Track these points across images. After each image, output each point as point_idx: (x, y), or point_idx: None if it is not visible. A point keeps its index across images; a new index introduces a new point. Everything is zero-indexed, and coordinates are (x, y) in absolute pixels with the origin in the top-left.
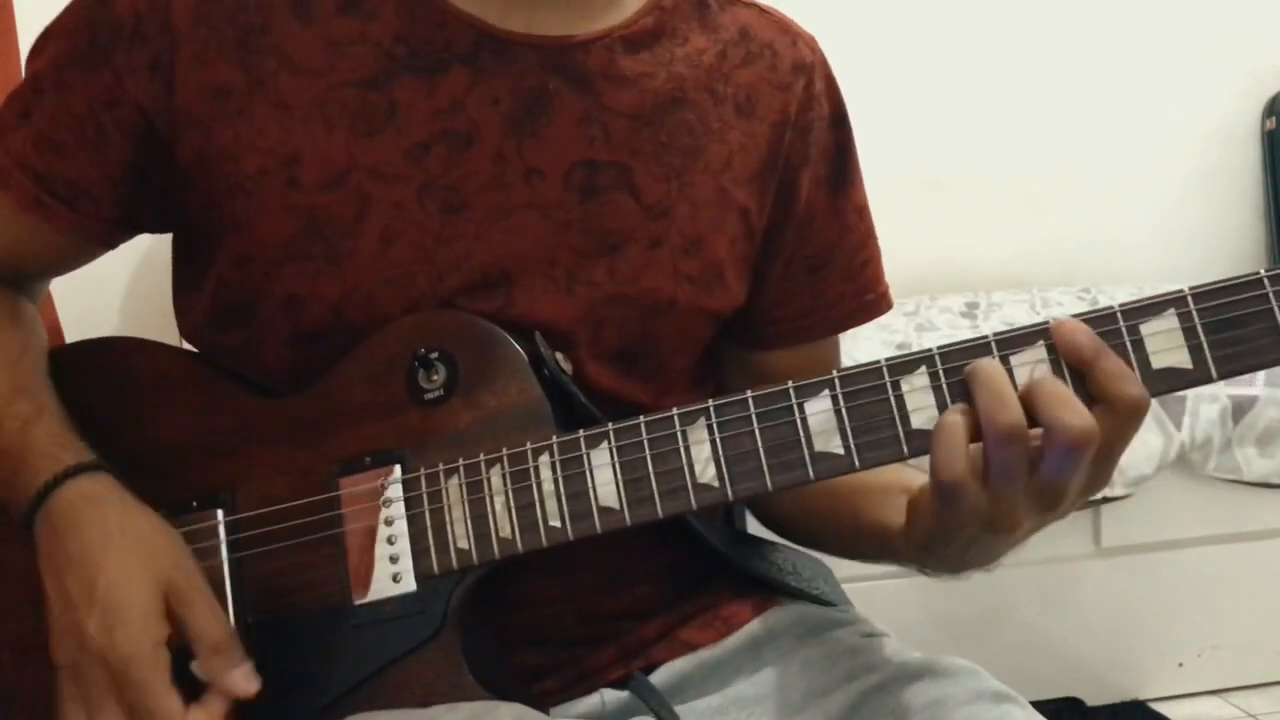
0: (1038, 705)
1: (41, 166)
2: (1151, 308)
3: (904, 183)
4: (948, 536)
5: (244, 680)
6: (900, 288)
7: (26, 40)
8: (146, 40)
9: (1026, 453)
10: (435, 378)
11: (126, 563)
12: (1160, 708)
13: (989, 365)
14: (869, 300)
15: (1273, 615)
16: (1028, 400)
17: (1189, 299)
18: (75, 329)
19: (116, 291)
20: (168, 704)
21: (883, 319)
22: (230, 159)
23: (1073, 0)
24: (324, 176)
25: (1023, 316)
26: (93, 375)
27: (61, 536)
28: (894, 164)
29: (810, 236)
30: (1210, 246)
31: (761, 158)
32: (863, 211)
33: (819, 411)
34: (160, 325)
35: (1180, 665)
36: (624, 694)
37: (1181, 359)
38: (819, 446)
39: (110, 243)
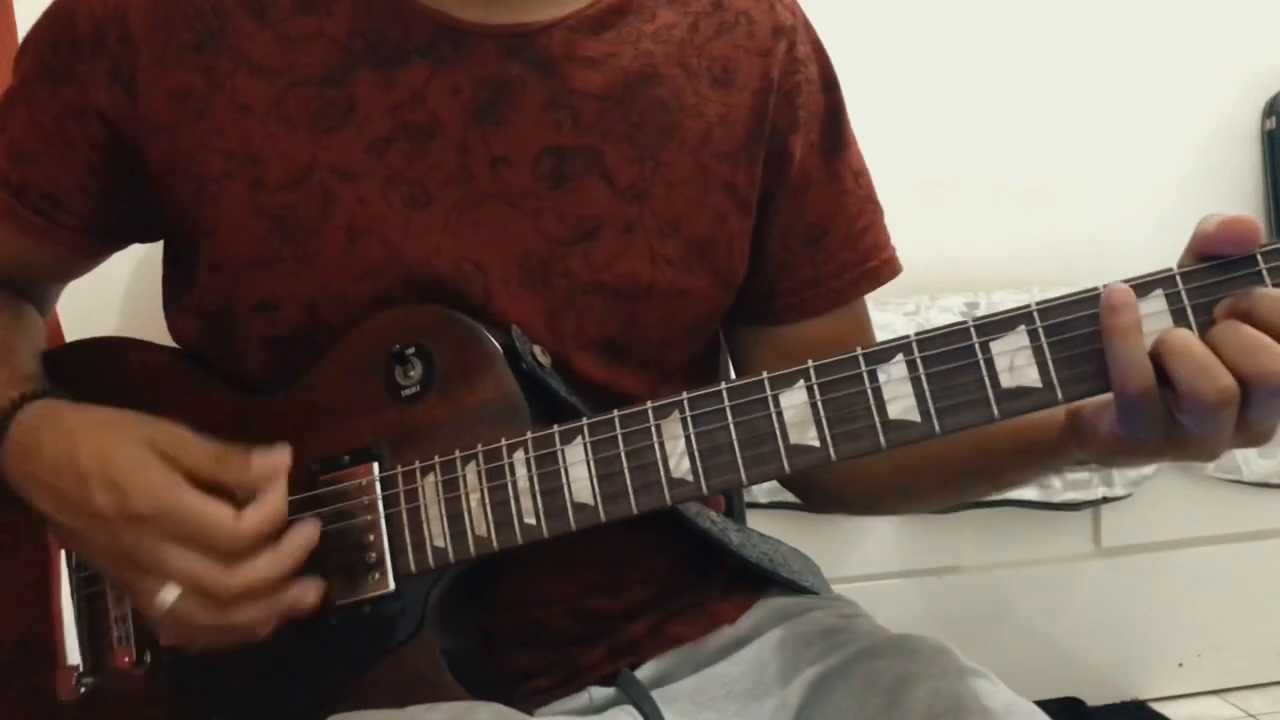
0: (1038, 705)
1: (15, 178)
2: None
3: (904, 182)
4: (1131, 453)
5: (271, 456)
6: (900, 288)
7: None
8: (106, 49)
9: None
10: (412, 374)
11: (101, 437)
12: (1160, 708)
13: (1183, 336)
14: (872, 267)
15: (1273, 615)
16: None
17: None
18: (75, 329)
19: (116, 291)
20: (214, 512)
21: (883, 319)
22: (195, 162)
23: (1073, 0)
24: (286, 176)
25: None
26: (83, 375)
27: (32, 453)
28: (893, 164)
29: (807, 204)
30: None
31: (746, 128)
32: (859, 175)
33: (794, 404)
34: (160, 325)
35: (1180, 665)
36: (610, 690)
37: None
38: (794, 439)
39: (93, 253)
